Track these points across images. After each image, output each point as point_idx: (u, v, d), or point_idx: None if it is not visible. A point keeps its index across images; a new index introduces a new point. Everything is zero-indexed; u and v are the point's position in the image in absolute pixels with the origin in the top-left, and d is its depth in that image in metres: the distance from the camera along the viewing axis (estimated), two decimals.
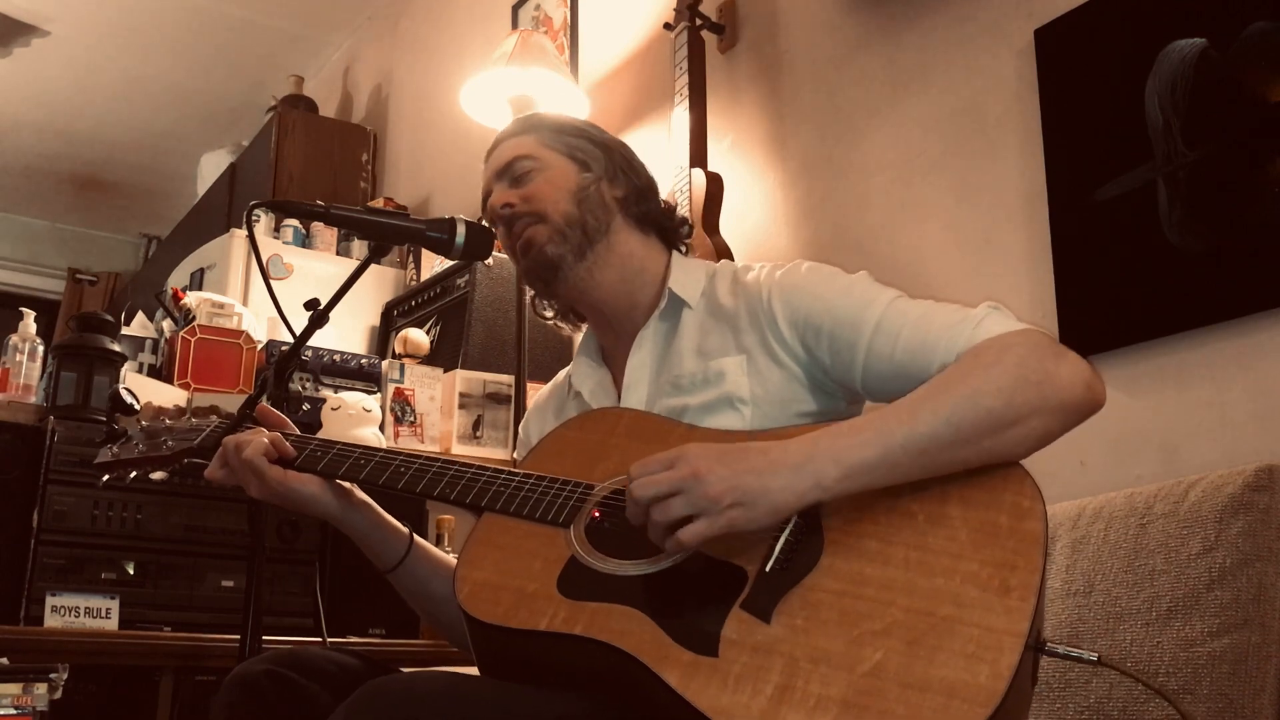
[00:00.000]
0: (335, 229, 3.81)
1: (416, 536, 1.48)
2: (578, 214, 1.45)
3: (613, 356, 1.53)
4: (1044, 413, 1.15)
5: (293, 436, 1.45)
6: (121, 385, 2.39)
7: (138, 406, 1.61)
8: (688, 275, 1.48)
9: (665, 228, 1.53)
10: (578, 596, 1.15)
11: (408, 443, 2.89)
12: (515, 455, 1.62)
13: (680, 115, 2.67)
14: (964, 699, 0.98)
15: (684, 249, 1.56)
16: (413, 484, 1.35)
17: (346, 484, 1.44)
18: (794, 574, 1.11)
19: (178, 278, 3.91)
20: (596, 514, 1.24)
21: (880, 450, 1.13)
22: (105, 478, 1.59)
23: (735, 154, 2.81)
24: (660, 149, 2.79)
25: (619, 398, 1.47)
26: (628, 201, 1.49)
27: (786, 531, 1.14)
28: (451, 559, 1.50)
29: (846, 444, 1.14)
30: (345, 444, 1.44)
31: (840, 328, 1.30)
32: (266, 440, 1.40)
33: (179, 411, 1.58)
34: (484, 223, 1.53)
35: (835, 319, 1.31)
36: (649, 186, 1.52)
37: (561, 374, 1.64)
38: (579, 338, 1.61)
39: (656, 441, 1.26)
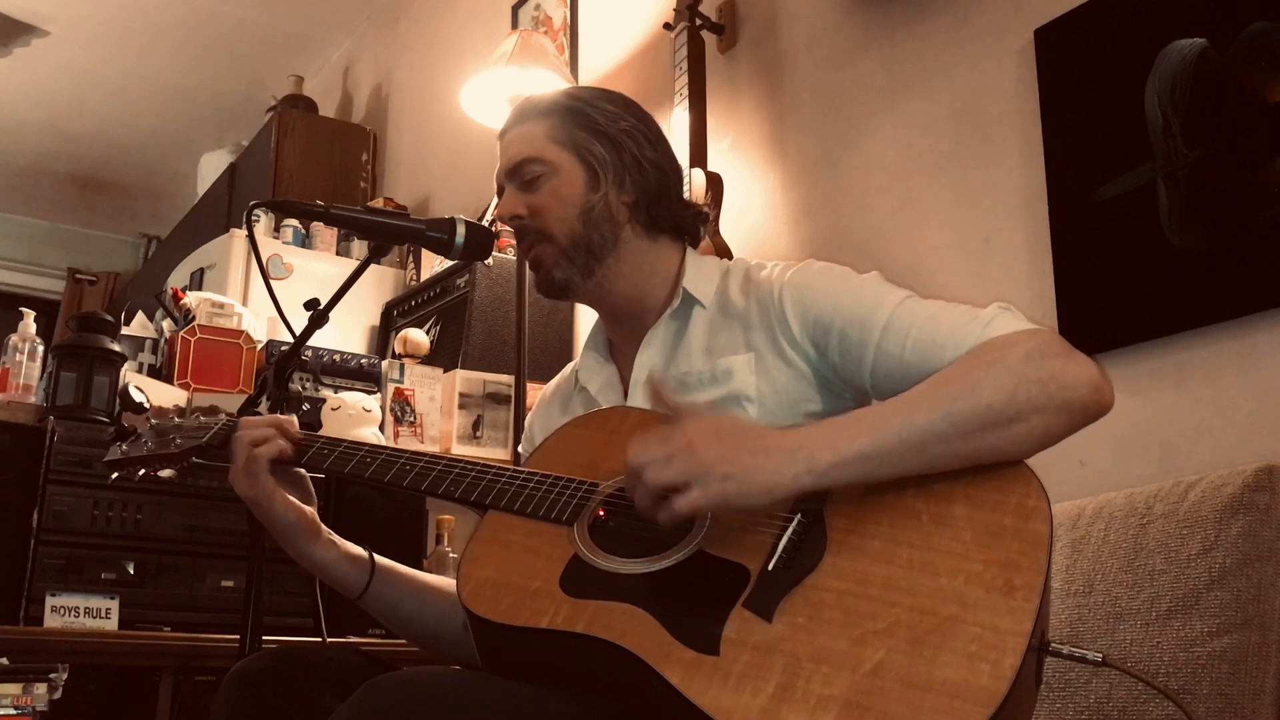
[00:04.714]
0: (335, 229, 3.81)
1: (380, 559, 1.47)
2: (584, 232, 1.43)
3: (621, 352, 1.52)
4: (1047, 411, 1.13)
5: (298, 435, 1.45)
6: (130, 383, 2.39)
7: (147, 404, 1.61)
8: (702, 274, 1.47)
9: (679, 225, 1.50)
10: (580, 594, 1.14)
11: (407, 443, 2.89)
12: (521, 450, 1.62)
13: (680, 115, 2.67)
14: (966, 699, 0.98)
15: (700, 232, 1.53)
16: (417, 482, 1.35)
17: (318, 521, 1.44)
18: (797, 573, 1.11)
19: (178, 278, 3.91)
20: (601, 512, 1.24)
21: (876, 440, 1.13)
22: (114, 475, 1.59)
23: (735, 154, 2.81)
24: None
25: (625, 394, 1.47)
26: (638, 208, 1.46)
27: (789, 530, 1.14)
28: (423, 575, 1.50)
29: (843, 433, 1.14)
30: (351, 442, 1.44)
31: (850, 327, 1.30)
32: (282, 445, 1.41)
33: (180, 412, 1.59)
34: (491, 219, 1.53)
35: (845, 318, 1.30)
36: (661, 185, 1.48)
37: (568, 368, 1.63)
38: (584, 334, 1.61)
39: None
